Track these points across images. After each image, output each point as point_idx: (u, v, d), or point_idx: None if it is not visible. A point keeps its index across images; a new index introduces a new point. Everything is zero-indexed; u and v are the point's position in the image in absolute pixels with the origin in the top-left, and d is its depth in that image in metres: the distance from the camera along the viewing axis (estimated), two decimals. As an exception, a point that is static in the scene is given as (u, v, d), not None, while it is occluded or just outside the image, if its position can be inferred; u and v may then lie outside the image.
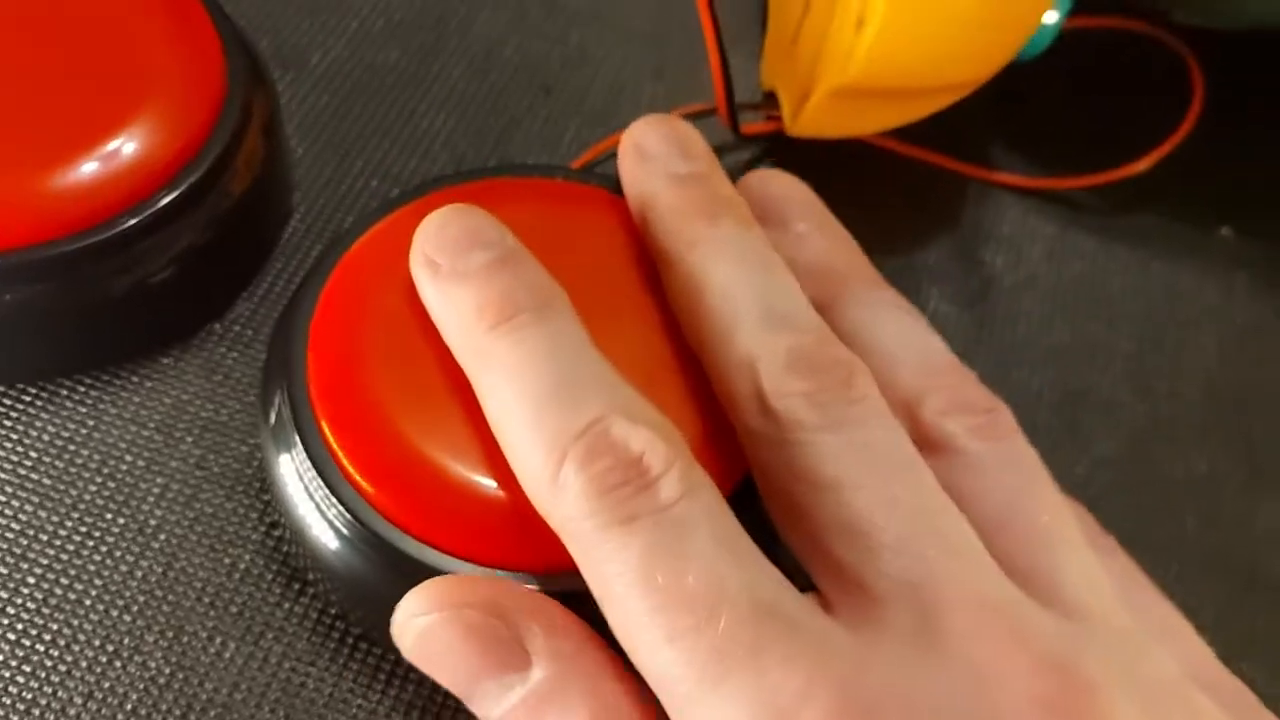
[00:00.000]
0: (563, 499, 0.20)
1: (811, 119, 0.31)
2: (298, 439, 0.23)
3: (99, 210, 0.24)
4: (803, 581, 0.20)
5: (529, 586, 0.22)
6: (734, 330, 0.22)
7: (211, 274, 0.27)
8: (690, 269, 0.23)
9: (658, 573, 0.18)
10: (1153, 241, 0.34)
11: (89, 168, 0.24)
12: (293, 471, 0.23)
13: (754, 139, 0.33)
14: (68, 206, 0.24)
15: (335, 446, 0.23)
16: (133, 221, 0.25)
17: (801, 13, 0.32)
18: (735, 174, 0.32)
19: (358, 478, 0.23)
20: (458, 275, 0.22)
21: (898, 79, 0.28)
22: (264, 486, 0.26)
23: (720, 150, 0.32)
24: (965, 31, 0.28)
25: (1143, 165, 0.33)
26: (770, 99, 0.33)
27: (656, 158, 0.25)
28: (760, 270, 0.23)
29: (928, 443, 0.22)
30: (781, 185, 0.27)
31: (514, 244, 0.23)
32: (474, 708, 0.20)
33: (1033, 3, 0.28)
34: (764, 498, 0.22)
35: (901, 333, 0.24)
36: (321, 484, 0.23)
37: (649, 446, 0.19)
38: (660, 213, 0.24)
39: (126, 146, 0.25)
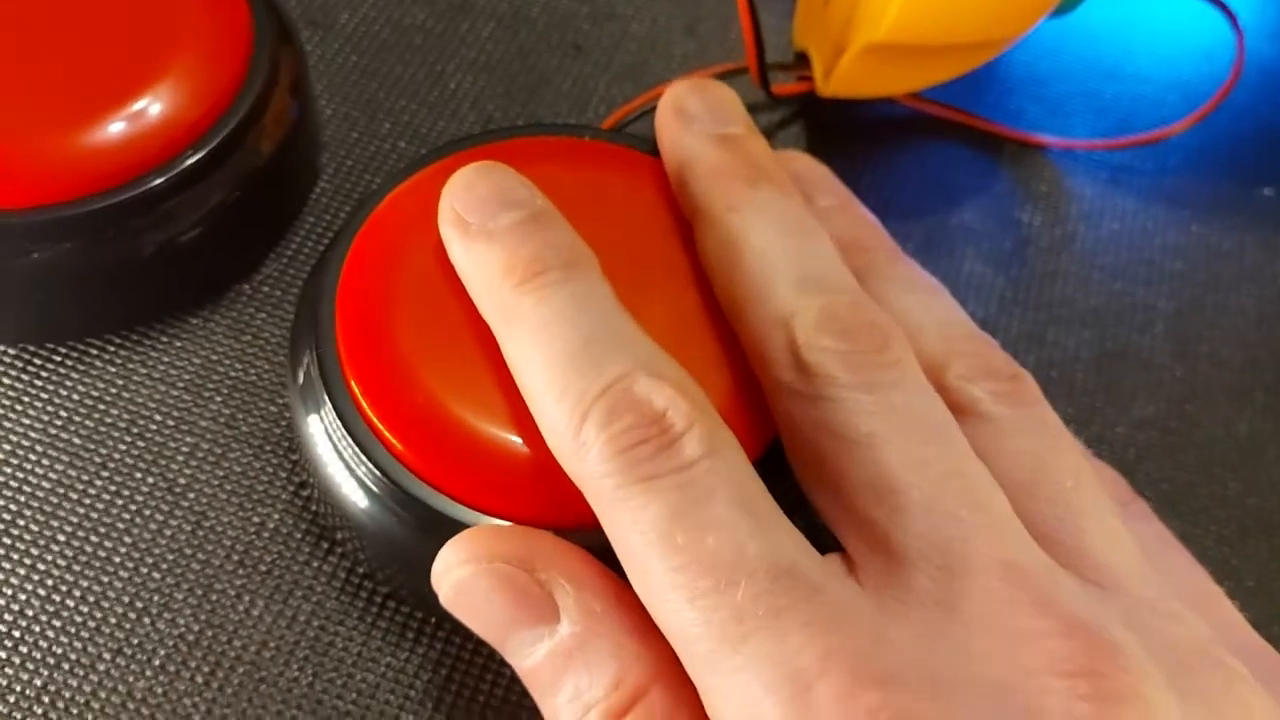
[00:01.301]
0: (585, 456, 0.19)
1: (844, 78, 0.30)
2: (326, 397, 0.23)
3: (127, 168, 0.24)
4: (825, 544, 0.20)
5: (561, 539, 0.22)
6: (770, 290, 0.22)
7: (240, 233, 0.27)
8: (729, 230, 0.23)
9: (678, 533, 0.18)
10: (1194, 202, 0.33)
11: (117, 126, 0.24)
12: (321, 430, 0.23)
13: (785, 99, 0.33)
14: (96, 165, 0.24)
15: (364, 404, 0.23)
16: (161, 180, 0.25)
17: None
18: (767, 134, 0.32)
19: (387, 435, 0.22)
20: (486, 234, 0.22)
21: (931, 35, 0.28)
22: (292, 445, 0.26)
23: (752, 110, 0.32)
24: None
25: (1183, 125, 0.33)
26: (802, 59, 0.33)
27: (697, 119, 0.25)
28: (799, 234, 0.23)
29: (953, 407, 0.21)
30: (803, 164, 0.27)
31: (543, 203, 0.22)
32: (507, 656, 0.20)
33: None
34: (790, 455, 0.22)
35: (926, 303, 0.24)
36: (350, 442, 0.23)
37: (671, 404, 0.19)
38: (699, 174, 0.24)
39: (154, 105, 0.25)
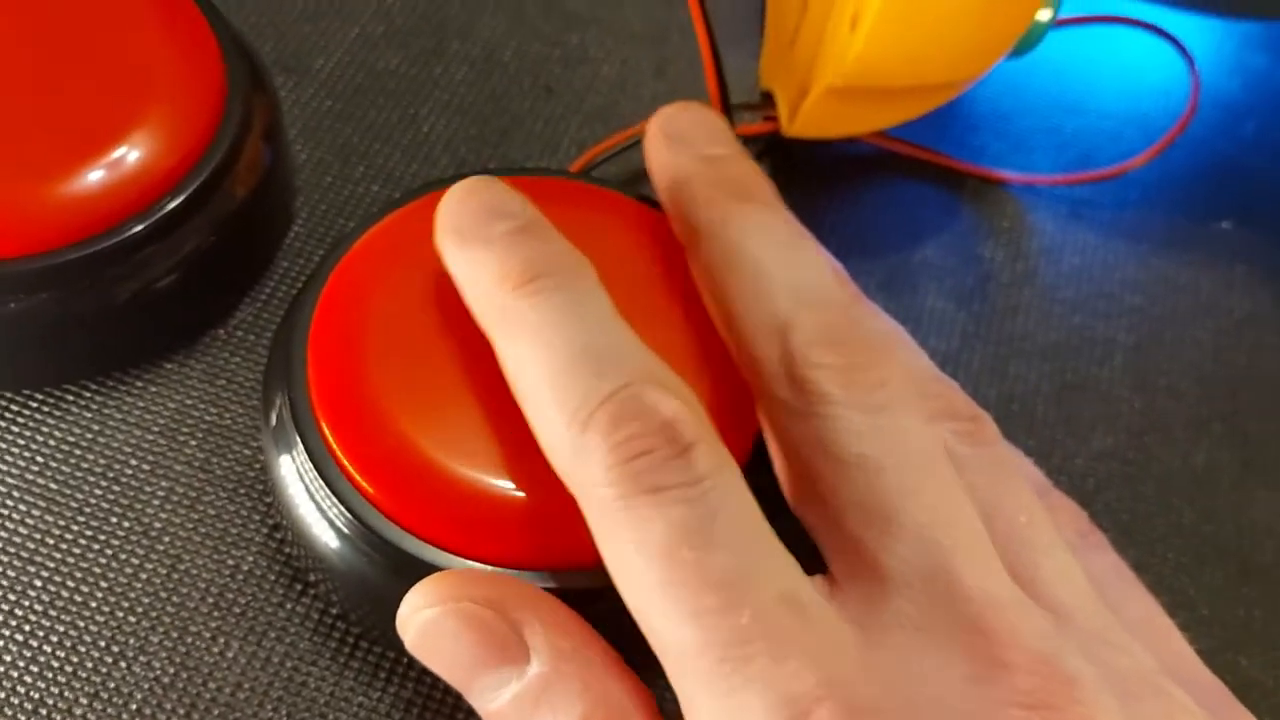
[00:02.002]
0: (586, 463, 0.19)
1: (808, 119, 0.31)
2: (298, 439, 0.23)
3: (103, 218, 0.25)
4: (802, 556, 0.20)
5: (530, 583, 0.22)
6: (765, 303, 0.22)
7: (215, 279, 0.28)
8: (723, 244, 0.23)
9: (684, 547, 0.18)
10: (1152, 236, 0.34)
11: (93, 176, 0.25)
12: (293, 471, 0.24)
13: (751, 139, 0.33)
14: (72, 215, 0.25)
15: (335, 446, 0.23)
16: (137, 229, 0.25)
17: (799, 14, 0.32)
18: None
19: (358, 477, 0.23)
20: (483, 241, 0.22)
21: (892, 77, 0.29)
22: (266, 488, 0.26)
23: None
24: (959, 30, 0.28)
25: (1141, 160, 0.34)
26: (768, 99, 0.34)
27: (686, 141, 0.25)
28: (794, 248, 0.23)
29: None
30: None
31: (536, 214, 0.23)
32: (472, 701, 0.21)
33: (1025, 3, 0.28)
34: (780, 470, 0.22)
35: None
36: (322, 484, 0.23)
37: (678, 415, 0.19)
38: (692, 192, 0.24)
39: (129, 154, 0.25)
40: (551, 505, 0.23)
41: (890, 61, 0.28)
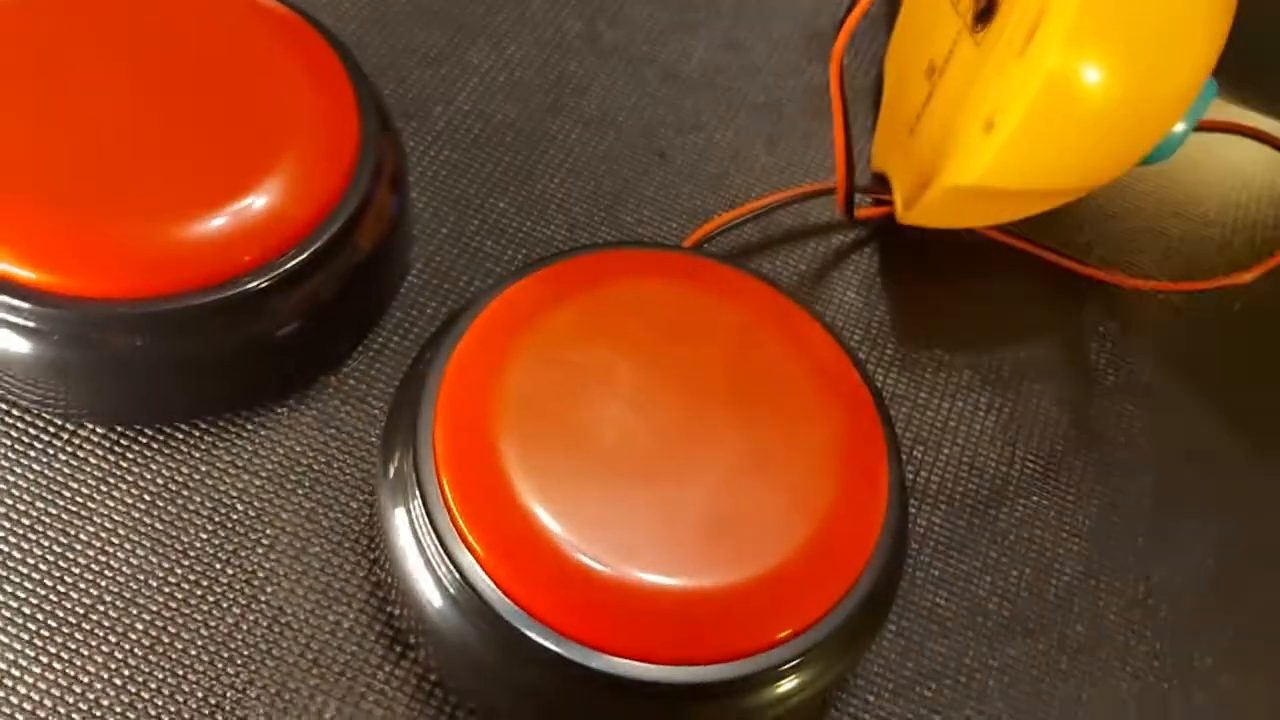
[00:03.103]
0: None
1: (926, 210, 0.31)
2: (417, 493, 0.23)
3: (232, 266, 0.25)
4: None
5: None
6: None
7: (333, 328, 0.27)
8: None
9: None
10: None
11: (230, 223, 0.25)
12: (406, 525, 0.23)
13: (864, 221, 0.33)
14: (207, 261, 0.24)
15: (453, 505, 0.23)
16: (265, 279, 0.25)
17: (924, 101, 0.32)
18: (845, 255, 0.32)
19: (471, 540, 0.23)
20: None
21: (1022, 183, 0.28)
22: (372, 544, 0.26)
23: (829, 228, 0.33)
24: (1097, 139, 0.28)
25: (1250, 276, 0.33)
26: (880, 181, 0.33)
27: None
28: None
29: None
30: None
31: None
32: None
33: (1162, 116, 0.28)
34: None
35: None
36: (434, 540, 0.23)
37: None
38: None
39: (264, 203, 0.25)
40: (664, 601, 0.22)
41: (1025, 168, 0.28)
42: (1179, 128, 0.30)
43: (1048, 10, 0.26)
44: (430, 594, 0.23)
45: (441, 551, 0.23)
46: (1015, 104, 0.26)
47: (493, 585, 0.22)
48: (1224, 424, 0.32)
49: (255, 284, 0.25)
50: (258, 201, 0.25)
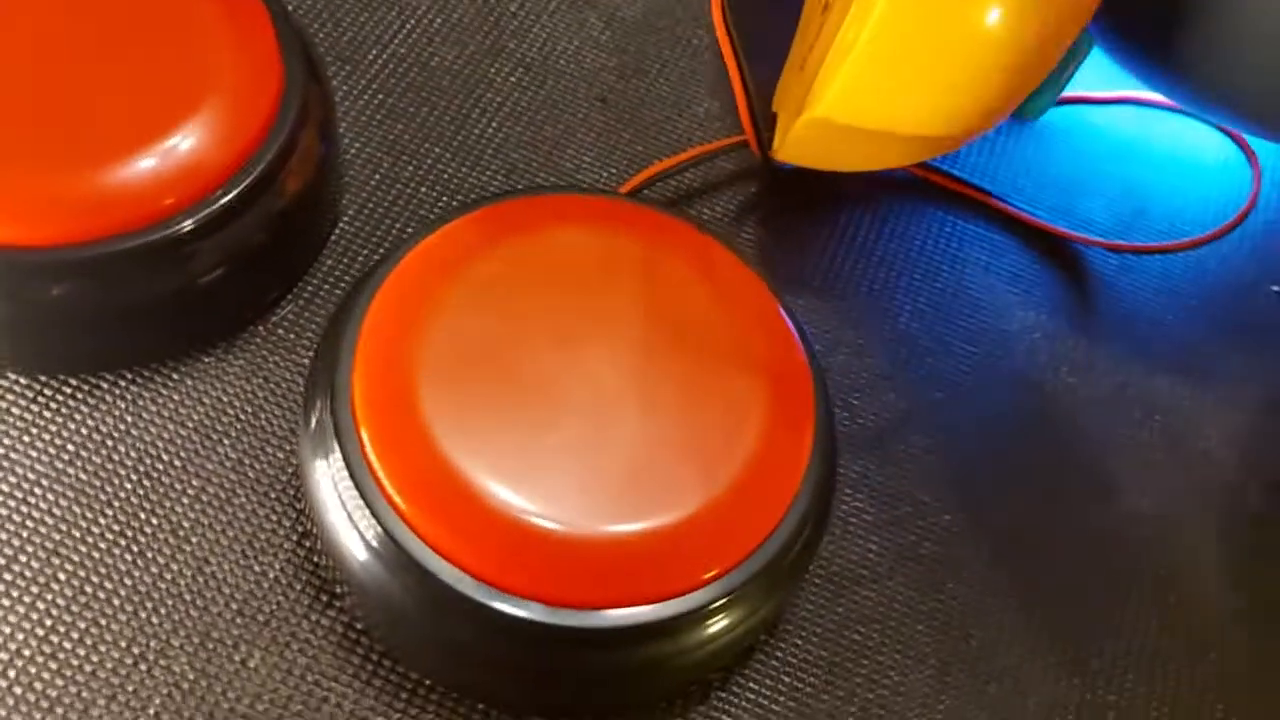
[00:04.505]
0: None
1: (794, 146, 0.30)
2: (336, 446, 0.23)
3: (153, 211, 0.24)
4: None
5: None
6: None
7: (260, 275, 0.27)
8: None
9: None
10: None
11: (147, 167, 0.24)
12: (328, 477, 0.23)
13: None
14: (124, 206, 0.24)
15: (372, 458, 0.23)
16: (187, 224, 0.24)
17: (815, 36, 0.31)
18: (783, 200, 0.32)
19: (392, 492, 0.22)
20: None
21: (876, 120, 0.27)
22: (298, 494, 0.26)
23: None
24: (936, 88, 0.27)
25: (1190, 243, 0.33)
26: (774, 121, 0.33)
27: None
28: None
29: None
30: None
31: None
32: None
33: (1017, 61, 0.27)
34: None
35: None
36: (356, 493, 0.23)
37: None
38: None
39: (185, 145, 0.25)
40: (588, 546, 0.22)
41: (874, 103, 0.27)
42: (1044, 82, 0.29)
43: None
44: (352, 545, 0.23)
45: (362, 503, 0.22)
46: (860, 31, 0.26)
47: (413, 535, 0.22)
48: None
49: (176, 229, 0.24)
50: (177, 146, 0.25)
